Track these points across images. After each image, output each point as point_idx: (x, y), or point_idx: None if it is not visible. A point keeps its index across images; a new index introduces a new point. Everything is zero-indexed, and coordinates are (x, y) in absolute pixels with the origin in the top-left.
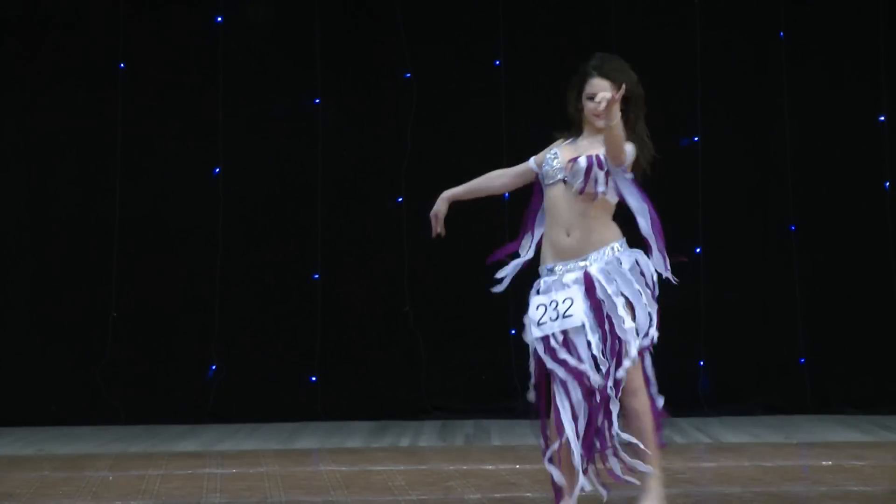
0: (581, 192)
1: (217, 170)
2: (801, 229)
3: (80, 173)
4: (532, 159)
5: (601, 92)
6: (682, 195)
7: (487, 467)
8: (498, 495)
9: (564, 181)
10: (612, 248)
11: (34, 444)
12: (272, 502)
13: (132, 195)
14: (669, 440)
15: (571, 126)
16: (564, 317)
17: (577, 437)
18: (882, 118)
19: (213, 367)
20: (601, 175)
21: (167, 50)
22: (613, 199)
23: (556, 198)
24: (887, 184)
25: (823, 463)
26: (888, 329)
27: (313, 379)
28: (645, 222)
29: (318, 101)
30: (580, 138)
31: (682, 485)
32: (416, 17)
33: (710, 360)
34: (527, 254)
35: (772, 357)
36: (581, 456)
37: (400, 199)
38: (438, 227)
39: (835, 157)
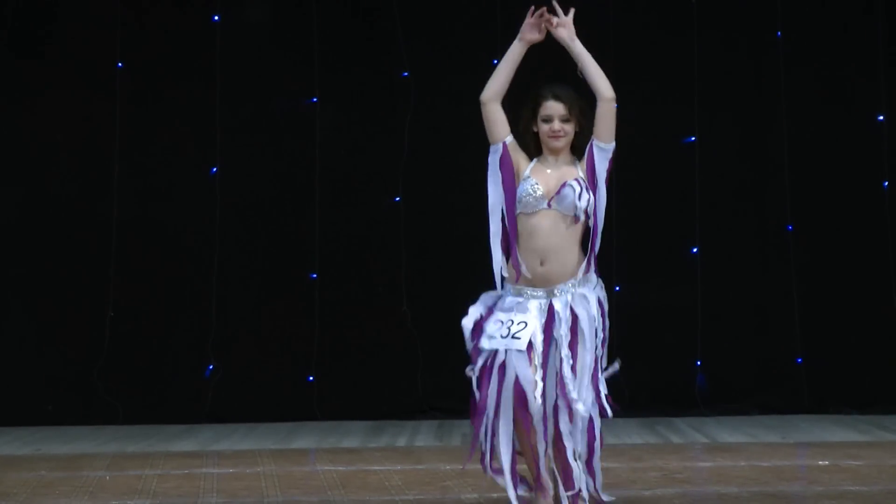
0: (577, 219)
1: (214, 169)
2: (799, 229)
3: (77, 173)
4: (510, 137)
5: (556, 113)
6: (679, 195)
7: None
8: (495, 495)
9: (549, 206)
10: (578, 282)
11: (31, 444)
12: (269, 502)
13: (129, 195)
14: (666, 440)
15: (525, 146)
16: (513, 338)
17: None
18: (880, 117)
19: (211, 367)
20: (586, 199)
21: (165, 49)
22: (583, 217)
23: (536, 225)
24: (886, 183)
25: (820, 463)
26: (885, 329)
27: (310, 379)
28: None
29: (315, 100)
30: (545, 161)
31: (679, 484)
32: (414, 16)
33: (706, 360)
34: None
35: (769, 357)
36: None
37: (397, 199)
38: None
39: (833, 156)
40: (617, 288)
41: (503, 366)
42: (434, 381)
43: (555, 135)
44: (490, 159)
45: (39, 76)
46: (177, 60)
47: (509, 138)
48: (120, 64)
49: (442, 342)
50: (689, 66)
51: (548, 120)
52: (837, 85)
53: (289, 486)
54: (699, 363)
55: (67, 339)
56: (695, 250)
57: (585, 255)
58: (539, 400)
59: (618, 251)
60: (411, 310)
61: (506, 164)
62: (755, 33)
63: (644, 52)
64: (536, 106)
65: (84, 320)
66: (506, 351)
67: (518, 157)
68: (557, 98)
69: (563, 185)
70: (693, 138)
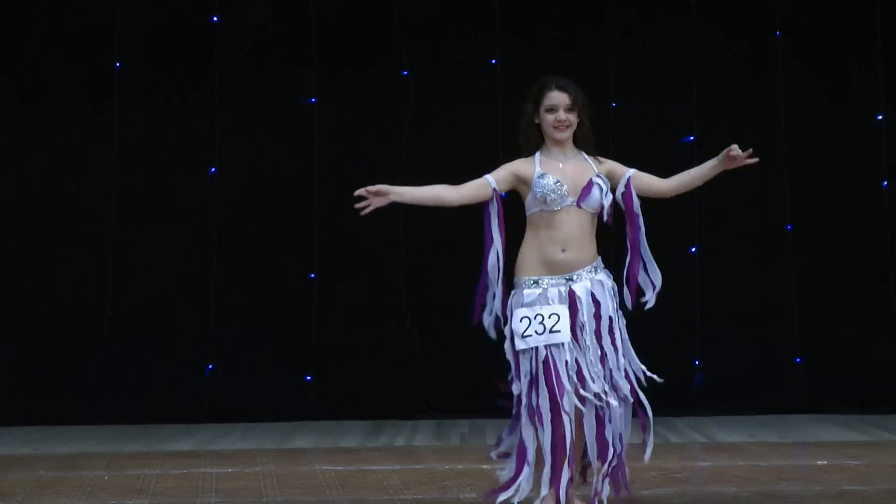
0: (607, 219)
1: (213, 169)
2: (798, 229)
3: (75, 172)
4: (490, 177)
5: (561, 102)
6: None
7: (483, 467)
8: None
9: (575, 205)
10: (594, 268)
11: (29, 444)
12: (267, 502)
13: (127, 194)
14: (665, 439)
15: (526, 139)
16: (551, 332)
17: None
18: (879, 117)
19: (209, 367)
20: (610, 199)
21: (163, 49)
22: (607, 217)
23: (560, 220)
24: (885, 183)
25: (819, 462)
26: (884, 328)
27: (309, 378)
28: (635, 240)
29: (313, 100)
30: (550, 154)
31: (678, 484)
32: (413, 15)
33: (705, 360)
34: (498, 286)
35: (767, 356)
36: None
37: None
38: (369, 202)
39: (832, 156)
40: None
41: (546, 362)
42: (433, 380)
43: (559, 125)
44: (489, 208)
45: (38, 75)
46: (176, 60)
47: (493, 182)
48: (118, 64)
49: (440, 342)
50: (689, 65)
51: (552, 110)
52: (836, 84)
53: (287, 486)
54: (698, 363)
55: (66, 338)
56: (693, 250)
57: (596, 251)
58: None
59: (616, 251)
60: (410, 310)
61: (500, 213)
62: (754, 33)
63: (643, 52)
64: (540, 97)
65: (83, 320)
66: (546, 347)
67: (513, 172)
68: (562, 89)
69: (590, 183)
70: (692, 137)
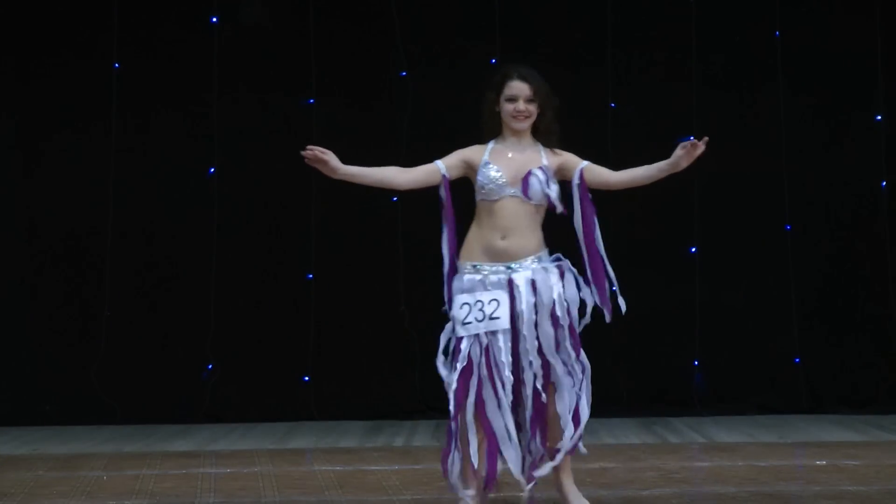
0: (561, 210)
1: (212, 170)
2: (797, 229)
3: (74, 172)
4: (440, 163)
5: (521, 93)
6: (677, 194)
7: None
8: (492, 495)
9: (516, 195)
10: (538, 258)
11: (28, 444)
12: (266, 502)
13: (126, 194)
14: (663, 440)
15: (487, 127)
16: (491, 318)
17: (510, 438)
18: (879, 117)
19: (208, 367)
20: (555, 188)
21: (162, 50)
22: (561, 208)
23: (500, 208)
24: (884, 183)
25: (818, 462)
26: (883, 329)
27: (307, 379)
28: (585, 241)
29: (312, 101)
30: (505, 143)
31: (677, 484)
32: (412, 15)
33: (704, 360)
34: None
35: (766, 356)
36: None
37: (395, 199)
38: (318, 153)
39: (831, 156)
40: (614, 288)
41: (487, 350)
42: (431, 381)
43: (518, 115)
44: (440, 194)
45: (36, 76)
46: (175, 61)
47: (443, 168)
48: (117, 64)
49: (439, 342)
50: (687, 64)
51: (512, 100)
52: (836, 84)
53: (286, 486)
54: (697, 363)
55: (65, 338)
56: (693, 250)
57: (543, 243)
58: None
59: (615, 251)
60: (409, 310)
61: (448, 200)
62: (753, 32)
63: (642, 52)
64: (501, 86)
65: (81, 319)
66: (486, 333)
67: (464, 159)
68: (523, 78)
69: (528, 175)
70: (691, 137)
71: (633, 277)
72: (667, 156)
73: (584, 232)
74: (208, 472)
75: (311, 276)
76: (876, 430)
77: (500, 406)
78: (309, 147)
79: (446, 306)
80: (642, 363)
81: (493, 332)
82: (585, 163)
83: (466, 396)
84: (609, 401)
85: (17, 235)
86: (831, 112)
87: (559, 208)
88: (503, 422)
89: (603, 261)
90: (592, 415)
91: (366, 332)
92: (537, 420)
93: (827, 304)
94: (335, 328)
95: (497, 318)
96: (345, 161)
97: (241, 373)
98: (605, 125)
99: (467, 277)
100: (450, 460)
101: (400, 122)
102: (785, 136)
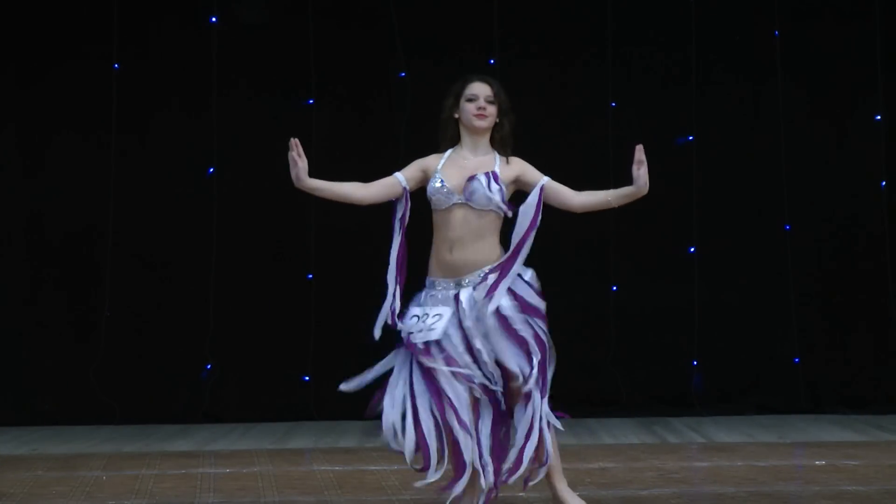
0: (509, 213)
1: (211, 170)
2: (796, 229)
3: (73, 172)
4: (400, 175)
5: (482, 93)
6: (676, 194)
7: None
8: (492, 496)
9: (464, 203)
10: (484, 273)
11: (28, 444)
12: (265, 502)
13: (126, 194)
14: (663, 440)
15: (444, 134)
16: (429, 330)
17: (473, 439)
18: (878, 117)
19: (207, 367)
20: (497, 190)
21: (162, 50)
22: (510, 213)
23: (449, 218)
24: (883, 183)
25: (817, 462)
26: (883, 328)
27: (307, 379)
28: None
29: (311, 101)
30: (459, 150)
31: (676, 484)
32: (411, 16)
33: (703, 360)
34: (393, 302)
35: (766, 356)
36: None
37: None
38: (295, 155)
39: (830, 156)
40: (614, 288)
41: (423, 355)
42: None
43: (480, 112)
44: (396, 206)
45: (35, 76)
46: (174, 61)
47: (402, 181)
48: (116, 65)
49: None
50: (687, 64)
51: (473, 99)
52: (835, 84)
53: (285, 487)
54: (696, 363)
55: (64, 338)
56: (692, 250)
57: (498, 255)
58: (462, 384)
59: (615, 251)
60: None
61: (405, 212)
62: (753, 32)
63: (641, 52)
64: (461, 89)
65: (81, 320)
66: (424, 343)
67: (422, 168)
68: (484, 81)
69: (471, 178)
70: (691, 137)
71: (633, 277)
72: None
73: (518, 240)
74: (207, 472)
75: (310, 276)
76: (875, 430)
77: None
78: (295, 141)
79: (388, 320)
80: (641, 363)
81: (431, 342)
82: (546, 179)
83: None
84: (608, 401)
85: (17, 235)
86: (831, 112)
87: (507, 212)
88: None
89: (514, 261)
90: (592, 415)
91: (365, 333)
92: (496, 433)
93: (826, 304)
94: (335, 328)
95: (432, 329)
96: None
97: (241, 373)
98: (605, 125)
99: (424, 292)
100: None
101: (398, 122)
102: (784, 136)
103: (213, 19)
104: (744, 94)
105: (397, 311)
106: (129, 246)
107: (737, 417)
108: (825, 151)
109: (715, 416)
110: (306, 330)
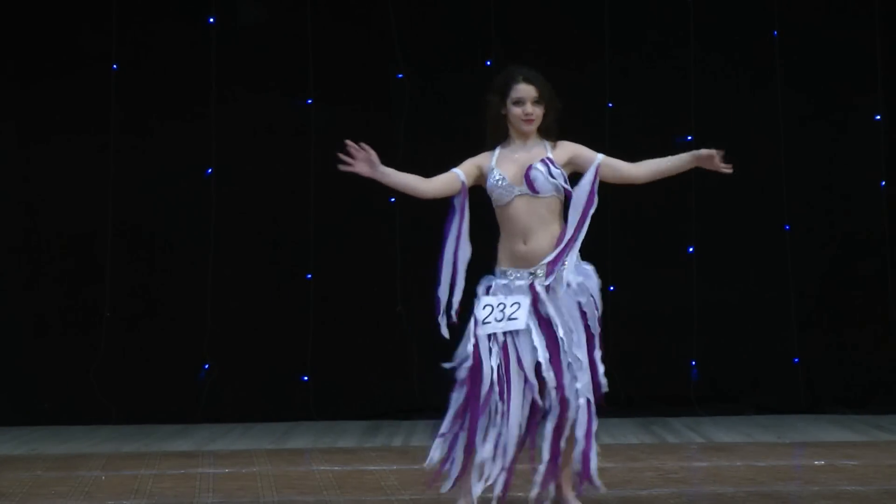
0: (568, 195)
1: (210, 170)
2: (795, 229)
3: (72, 173)
4: (459, 170)
5: (528, 95)
6: (675, 194)
7: None
8: (490, 495)
9: (524, 193)
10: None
11: (27, 444)
12: (264, 502)
13: (125, 195)
14: (662, 440)
15: (493, 131)
16: (509, 319)
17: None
18: (878, 117)
19: (206, 367)
20: (558, 174)
21: (160, 50)
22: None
23: (515, 211)
24: (883, 183)
25: (816, 462)
26: (882, 329)
27: (305, 379)
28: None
29: (310, 101)
30: (510, 147)
31: (675, 484)
32: (409, 17)
33: (702, 360)
34: (458, 281)
35: (765, 356)
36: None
37: (392, 199)
38: (353, 163)
39: (830, 156)
40: (612, 288)
41: (506, 346)
42: (429, 380)
43: (527, 118)
44: (455, 202)
45: (34, 77)
46: (173, 62)
47: (461, 175)
48: (115, 66)
49: (437, 342)
50: (686, 64)
51: (519, 103)
52: (835, 84)
53: (284, 487)
54: (694, 363)
55: (63, 338)
56: (691, 250)
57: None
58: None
59: (614, 251)
60: (406, 310)
61: (464, 203)
62: (752, 32)
63: (640, 52)
64: (507, 88)
65: (80, 320)
66: (504, 333)
67: (476, 165)
68: (528, 80)
69: (528, 169)
70: (690, 137)
71: (632, 277)
72: (664, 155)
73: (578, 219)
74: (207, 472)
75: (309, 276)
76: (874, 430)
77: (500, 414)
78: (349, 146)
79: (444, 312)
80: (641, 363)
81: (513, 333)
82: (601, 156)
83: (478, 400)
84: (607, 401)
85: (16, 236)
86: (830, 111)
87: (570, 191)
88: (492, 432)
89: (576, 237)
90: None
91: (364, 332)
92: (557, 435)
93: (826, 304)
94: (334, 328)
95: (515, 318)
96: (343, 160)
97: (240, 373)
98: (603, 125)
99: (496, 283)
100: (447, 465)
101: (397, 123)
102: (784, 136)
103: (212, 20)
104: (744, 94)
105: (456, 306)
106: (128, 246)
107: (736, 417)
108: (825, 151)
109: (714, 416)
110: (305, 330)
